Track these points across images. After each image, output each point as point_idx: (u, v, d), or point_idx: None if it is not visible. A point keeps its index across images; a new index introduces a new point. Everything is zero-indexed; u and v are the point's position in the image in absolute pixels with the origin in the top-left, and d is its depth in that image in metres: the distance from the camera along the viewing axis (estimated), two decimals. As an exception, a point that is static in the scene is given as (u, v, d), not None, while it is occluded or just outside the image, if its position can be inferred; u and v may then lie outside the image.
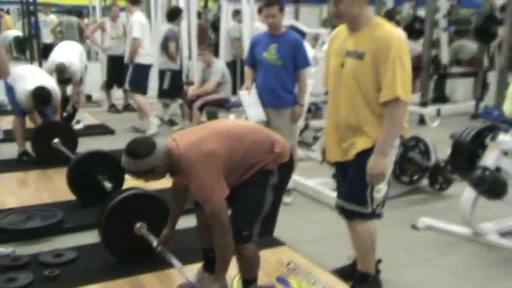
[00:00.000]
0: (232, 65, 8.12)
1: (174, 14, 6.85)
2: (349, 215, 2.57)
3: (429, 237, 3.48)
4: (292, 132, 4.07)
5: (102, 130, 6.50)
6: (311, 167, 4.69)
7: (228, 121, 3.20)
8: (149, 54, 6.50)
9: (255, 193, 2.37)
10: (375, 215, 2.55)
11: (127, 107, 7.84)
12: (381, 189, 2.52)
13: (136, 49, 6.35)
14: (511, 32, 6.77)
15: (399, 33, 2.45)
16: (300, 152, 4.85)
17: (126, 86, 6.59)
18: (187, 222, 2.89)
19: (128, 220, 2.85)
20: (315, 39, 6.17)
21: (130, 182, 4.06)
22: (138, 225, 2.84)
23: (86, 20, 10.40)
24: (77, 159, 3.86)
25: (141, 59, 6.40)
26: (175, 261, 2.64)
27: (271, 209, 2.41)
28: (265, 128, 2.54)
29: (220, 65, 6.54)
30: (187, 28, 7.34)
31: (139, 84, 6.53)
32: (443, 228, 3.54)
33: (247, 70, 4.11)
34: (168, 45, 6.68)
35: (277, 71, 3.87)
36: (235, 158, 2.30)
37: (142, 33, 6.33)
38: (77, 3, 10.42)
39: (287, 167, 2.43)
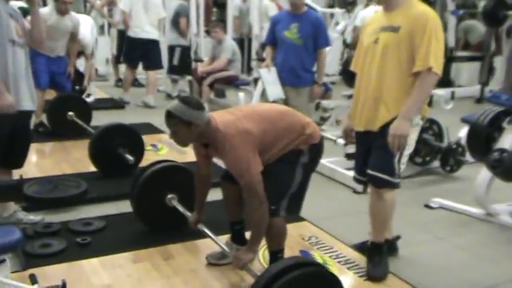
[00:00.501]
0: (239, 43, 8.14)
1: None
2: (379, 184, 2.64)
3: (442, 217, 3.59)
4: (309, 110, 4.15)
5: (111, 104, 6.54)
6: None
7: (261, 105, 3.26)
8: (138, 27, 6.37)
9: (285, 170, 2.45)
10: (398, 185, 2.66)
11: (133, 82, 7.84)
12: (405, 162, 2.64)
13: (125, 21, 6.40)
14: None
15: (434, 13, 2.53)
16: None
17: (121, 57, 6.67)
18: (214, 195, 2.96)
19: (160, 191, 2.93)
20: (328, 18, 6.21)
21: (149, 157, 4.20)
22: (169, 196, 2.92)
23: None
24: (99, 132, 3.91)
25: (130, 31, 6.41)
26: (208, 232, 2.72)
27: (299, 187, 2.48)
28: (296, 111, 2.61)
29: (230, 42, 6.57)
30: (196, 4, 7.33)
31: (126, 57, 6.61)
32: (456, 208, 3.65)
33: (268, 49, 4.16)
34: (178, 20, 6.69)
35: (298, 50, 3.92)
36: (268, 140, 2.38)
37: (131, 6, 6.27)
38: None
39: (317, 148, 2.51)
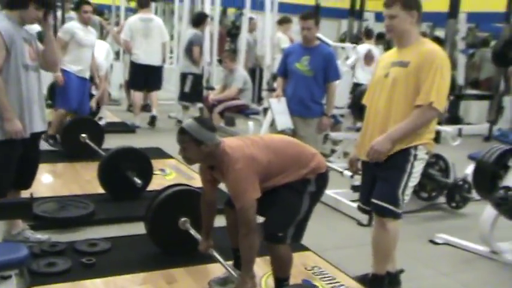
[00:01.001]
0: (251, 73, 8.27)
1: (199, 19, 7.01)
2: (382, 213, 2.68)
3: (447, 253, 3.58)
4: (317, 141, 4.20)
5: (123, 128, 6.63)
6: (330, 178, 4.79)
7: (270, 135, 3.34)
8: (139, 53, 6.62)
9: (293, 198, 2.49)
10: (401, 215, 2.68)
11: (144, 108, 7.96)
12: (409, 194, 2.68)
13: (126, 49, 6.85)
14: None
15: (443, 52, 2.61)
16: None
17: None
18: (219, 221, 2.99)
19: (173, 214, 2.98)
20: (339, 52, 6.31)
21: (157, 180, 4.25)
22: (182, 219, 2.96)
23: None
24: (109, 154, 3.98)
25: (132, 57, 6.74)
26: (218, 257, 2.75)
27: (305, 215, 2.52)
28: (303, 143, 2.67)
29: (242, 72, 6.69)
30: (210, 33, 7.50)
31: (131, 82, 7.00)
32: (461, 244, 3.64)
33: (279, 80, 4.25)
34: (192, 49, 6.84)
35: (308, 82, 4.00)
36: (273, 169, 2.44)
37: (131, 34, 6.61)
38: (99, 2, 10.57)
39: (323, 178, 2.57)
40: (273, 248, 2.50)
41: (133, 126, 6.71)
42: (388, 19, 2.59)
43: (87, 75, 5.27)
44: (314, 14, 3.95)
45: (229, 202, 2.63)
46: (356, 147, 2.87)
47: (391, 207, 2.63)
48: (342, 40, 9.61)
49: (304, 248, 3.28)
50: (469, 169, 4.46)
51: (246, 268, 2.46)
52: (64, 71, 4.98)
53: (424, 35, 8.40)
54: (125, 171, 3.90)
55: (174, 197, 3.03)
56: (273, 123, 4.28)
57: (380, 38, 8.10)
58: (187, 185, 3.21)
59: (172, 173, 4.76)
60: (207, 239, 2.79)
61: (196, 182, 4.31)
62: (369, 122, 2.75)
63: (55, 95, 5.32)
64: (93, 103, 6.25)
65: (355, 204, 3.65)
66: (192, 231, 2.94)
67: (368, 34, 7.78)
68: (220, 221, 2.86)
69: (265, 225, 2.52)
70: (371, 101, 2.76)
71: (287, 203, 2.48)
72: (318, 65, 3.95)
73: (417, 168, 2.63)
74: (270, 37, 7.41)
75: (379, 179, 2.69)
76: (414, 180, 2.65)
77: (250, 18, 8.32)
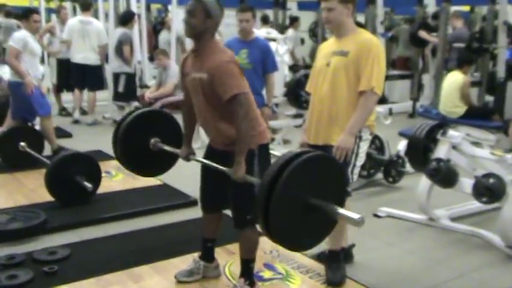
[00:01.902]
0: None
1: (127, 18, 6.95)
2: None
3: (390, 224, 3.87)
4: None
5: (58, 133, 6.41)
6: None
7: None
8: (76, 53, 7.00)
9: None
10: (350, 193, 2.88)
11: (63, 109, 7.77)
12: (357, 173, 2.89)
13: (68, 49, 7.08)
14: (443, 38, 7.45)
15: (377, 40, 2.83)
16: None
17: None
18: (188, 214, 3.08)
19: (143, 136, 2.95)
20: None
21: (106, 183, 4.24)
22: (152, 140, 2.95)
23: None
24: (56, 161, 3.91)
25: (70, 56, 7.04)
26: (203, 160, 2.72)
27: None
28: None
29: (176, 67, 6.70)
30: (139, 32, 7.44)
31: (71, 81, 7.31)
32: (402, 215, 3.94)
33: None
34: (122, 48, 6.77)
35: (248, 75, 4.01)
36: None
37: (71, 34, 6.95)
38: (15, 4, 10.08)
39: (266, 150, 2.63)
40: (244, 231, 2.63)
41: (96, 122, 7.12)
42: (327, 11, 2.77)
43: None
44: (251, 7, 4.07)
45: (208, 201, 2.72)
46: (304, 132, 3.04)
47: None
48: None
49: (260, 234, 3.42)
50: (401, 145, 4.81)
51: (242, 152, 2.45)
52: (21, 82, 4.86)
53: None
54: (74, 176, 3.86)
55: (140, 119, 3.00)
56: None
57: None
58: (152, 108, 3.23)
59: (118, 174, 4.75)
60: (188, 146, 2.82)
61: (143, 181, 4.37)
62: (314, 108, 2.92)
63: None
64: None
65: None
66: (167, 147, 2.93)
67: (293, 21, 8.07)
68: (191, 214, 2.91)
69: (233, 214, 2.62)
70: (314, 89, 2.94)
71: (243, 185, 2.50)
72: (256, 57, 4.09)
73: (363, 149, 2.84)
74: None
75: None
76: (361, 159, 2.86)
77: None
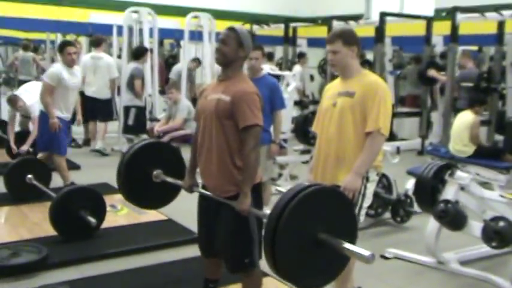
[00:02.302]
0: (193, 102, 8.35)
1: (140, 53, 7.08)
2: None
3: (398, 266, 3.78)
4: (267, 168, 4.32)
5: (67, 165, 6.45)
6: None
7: None
8: (90, 88, 7.27)
9: (238, 217, 2.48)
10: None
11: (87, 142, 7.84)
12: (364, 212, 2.85)
13: (83, 83, 7.04)
14: (451, 77, 7.47)
15: (383, 82, 2.87)
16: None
17: None
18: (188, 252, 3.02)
19: (145, 168, 2.96)
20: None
21: (111, 218, 4.22)
22: (155, 172, 2.95)
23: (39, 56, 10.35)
24: (61, 195, 3.90)
25: (84, 90, 7.19)
26: (204, 191, 2.71)
27: (258, 229, 2.56)
28: None
29: (186, 102, 6.76)
30: (150, 66, 7.56)
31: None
32: (410, 257, 3.86)
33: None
34: (133, 82, 6.87)
35: (255, 112, 4.13)
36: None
37: (84, 71, 7.03)
38: (33, 37, 10.34)
39: (259, 188, 2.62)
40: (245, 276, 2.58)
41: (104, 150, 7.29)
42: (332, 54, 2.80)
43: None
44: (261, 46, 4.14)
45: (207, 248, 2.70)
46: (310, 171, 3.01)
47: None
48: (279, 64, 9.92)
49: (264, 274, 3.36)
50: (409, 184, 4.76)
51: (248, 182, 2.47)
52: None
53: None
54: (78, 211, 3.84)
55: (143, 150, 3.02)
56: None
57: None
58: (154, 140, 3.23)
59: (124, 208, 4.72)
60: (192, 178, 2.81)
61: (148, 216, 4.35)
62: (321, 148, 2.91)
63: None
64: (26, 145, 6.05)
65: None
66: (169, 179, 2.93)
67: (300, 57, 8.21)
68: (196, 251, 2.87)
69: (230, 258, 2.58)
70: (321, 129, 2.93)
71: (236, 226, 2.49)
72: (264, 95, 4.02)
73: (370, 190, 2.82)
74: (210, 66, 7.55)
75: None
76: (368, 200, 2.83)
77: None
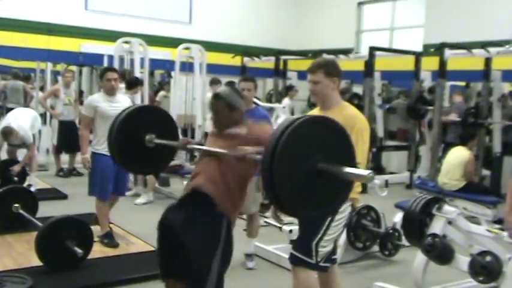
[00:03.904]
0: (183, 133, 8.39)
1: (132, 84, 7.11)
2: (295, 261, 2.83)
3: (385, 300, 3.77)
4: (255, 200, 4.33)
5: (54, 195, 6.44)
6: (270, 233, 4.93)
7: None
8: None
9: (202, 257, 2.50)
10: (318, 267, 2.82)
11: (71, 171, 7.80)
12: (327, 246, 2.81)
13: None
14: (439, 111, 7.59)
15: (362, 115, 2.91)
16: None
17: None
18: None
19: (137, 133, 2.90)
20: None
21: (98, 248, 4.18)
22: (148, 137, 2.89)
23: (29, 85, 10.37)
24: (47, 225, 3.87)
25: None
26: (198, 146, 2.79)
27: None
28: None
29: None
30: (141, 96, 7.60)
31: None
32: (398, 291, 3.85)
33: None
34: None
35: (245, 144, 4.17)
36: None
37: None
38: (22, 66, 10.36)
39: (231, 228, 2.64)
40: None
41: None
42: (313, 84, 2.83)
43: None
44: (253, 78, 4.20)
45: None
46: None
47: (302, 256, 2.77)
48: (269, 96, 10.04)
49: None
50: (397, 217, 4.78)
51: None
52: (93, 153, 4.45)
53: (344, 91, 9.08)
54: (64, 241, 3.80)
55: (134, 115, 2.94)
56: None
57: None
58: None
59: (111, 239, 4.67)
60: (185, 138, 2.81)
61: (136, 247, 4.31)
62: None
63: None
64: (16, 168, 6.02)
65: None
66: (164, 141, 2.87)
67: (289, 90, 8.38)
68: None
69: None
70: None
71: (202, 255, 2.48)
72: (254, 127, 4.14)
73: (339, 221, 2.79)
74: (200, 97, 7.63)
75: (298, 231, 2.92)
76: (331, 233, 2.78)
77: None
